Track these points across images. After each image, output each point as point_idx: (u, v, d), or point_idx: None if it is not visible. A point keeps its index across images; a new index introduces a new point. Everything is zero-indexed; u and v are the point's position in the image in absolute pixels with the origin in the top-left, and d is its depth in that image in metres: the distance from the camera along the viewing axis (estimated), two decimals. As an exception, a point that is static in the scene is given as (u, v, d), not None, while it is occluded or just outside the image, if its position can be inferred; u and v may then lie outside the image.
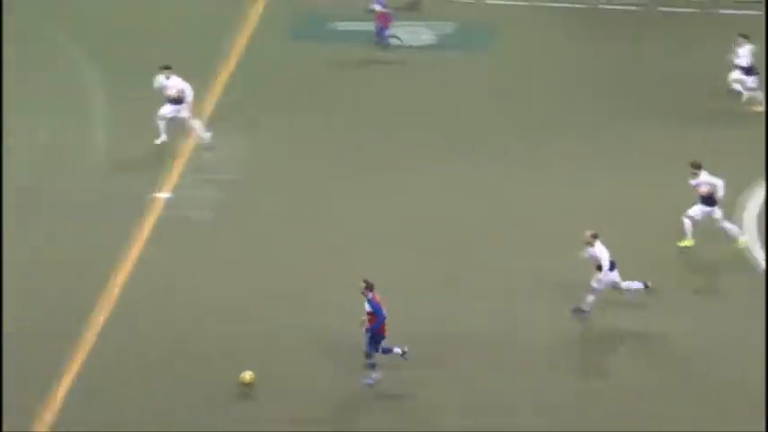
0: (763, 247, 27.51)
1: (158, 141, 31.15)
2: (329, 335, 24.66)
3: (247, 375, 23.27)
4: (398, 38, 36.19)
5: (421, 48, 36.56)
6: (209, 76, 34.06)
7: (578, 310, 25.36)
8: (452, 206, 28.94)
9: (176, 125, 31.15)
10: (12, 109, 32.13)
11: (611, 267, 25.01)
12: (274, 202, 29.21)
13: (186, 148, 31.15)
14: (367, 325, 23.36)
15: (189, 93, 30.89)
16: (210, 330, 24.94)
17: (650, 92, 33.82)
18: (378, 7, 36.08)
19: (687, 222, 27.31)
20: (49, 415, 22.75)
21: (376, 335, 23.40)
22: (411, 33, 37.13)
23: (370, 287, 23.28)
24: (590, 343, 25.11)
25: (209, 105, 32.98)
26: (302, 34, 36.36)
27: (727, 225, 27.48)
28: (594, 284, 25.15)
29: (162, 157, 30.65)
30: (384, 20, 36.04)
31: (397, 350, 23.62)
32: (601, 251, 25.01)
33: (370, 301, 23.31)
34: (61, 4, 38.10)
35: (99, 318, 25.14)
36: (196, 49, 35.35)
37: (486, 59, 35.81)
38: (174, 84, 30.84)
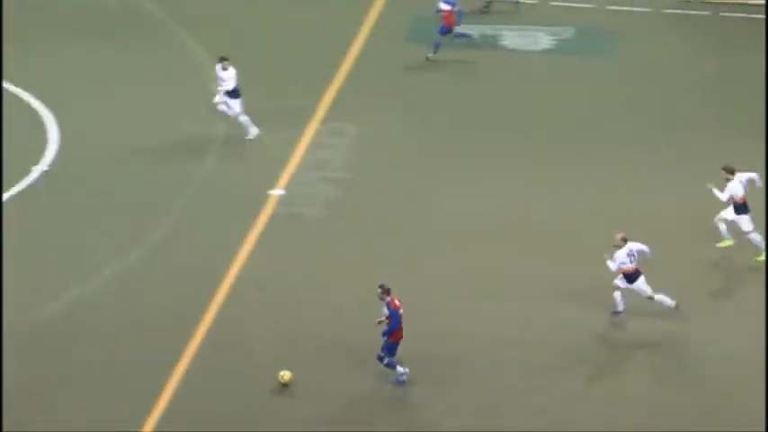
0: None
1: (248, 137, 31.12)
2: (434, 336, 24.42)
3: (286, 375, 23.19)
4: (468, 35, 35.69)
5: (538, 52, 36.21)
6: (325, 76, 34.09)
7: (614, 313, 25.14)
8: (551, 211, 28.51)
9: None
10: (140, 110, 32.39)
11: (637, 276, 24.69)
12: (386, 200, 29.03)
13: (302, 145, 31.11)
14: (386, 327, 23.17)
15: (223, 86, 30.68)
16: (322, 329, 24.74)
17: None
18: (446, 6, 35.67)
19: (721, 224, 26.87)
20: (157, 413, 22.72)
21: (391, 340, 23.17)
22: (529, 38, 36.81)
23: (386, 291, 23.09)
24: (622, 348, 24.89)
25: (325, 104, 32.95)
26: (415, 36, 36.16)
27: (755, 237, 26.83)
28: (617, 282, 24.97)
29: (277, 154, 30.61)
30: (451, 20, 35.63)
31: (401, 370, 23.34)
32: (622, 254, 24.72)
33: (387, 306, 23.08)
34: (183, 5, 38.43)
35: (210, 314, 25.07)
36: (314, 48, 35.50)
37: (606, 65, 35.35)
38: (230, 75, 30.66)
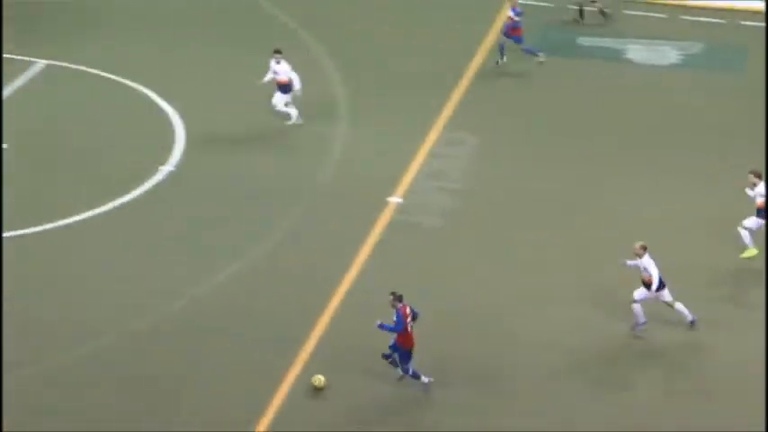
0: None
1: (290, 123, 31.65)
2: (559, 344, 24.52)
3: (317, 380, 23.38)
4: (503, 46, 35.46)
5: (665, 67, 35.90)
6: (450, 84, 34.30)
7: (637, 325, 25.04)
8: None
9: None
10: (263, 111, 32.82)
11: (661, 286, 24.63)
12: (504, 213, 29.04)
13: (420, 154, 31.32)
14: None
15: (297, 82, 31.15)
16: (434, 337, 24.79)
17: None
18: (511, 14, 35.49)
19: (744, 233, 26.70)
20: (270, 415, 23.11)
21: (401, 350, 23.35)
22: (656, 52, 36.53)
23: (398, 299, 23.28)
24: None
25: (447, 113, 33.11)
26: (544, 47, 36.08)
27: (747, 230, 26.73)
28: (636, 295, 24.85)
29: (397, 162, 30.83)
30: (519, 29, 35.37)
31: (425, 379, 23.55)
32: (650, 265, 24.61)
33: (397, 312, 23.23)
34: (309, 8, 38.92)
35: (324, 319, 25.38)
36: (439, 56, 35.67)
37: (736, 81, 34.90)
38: (283, 69, 31.03)
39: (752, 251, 26.92)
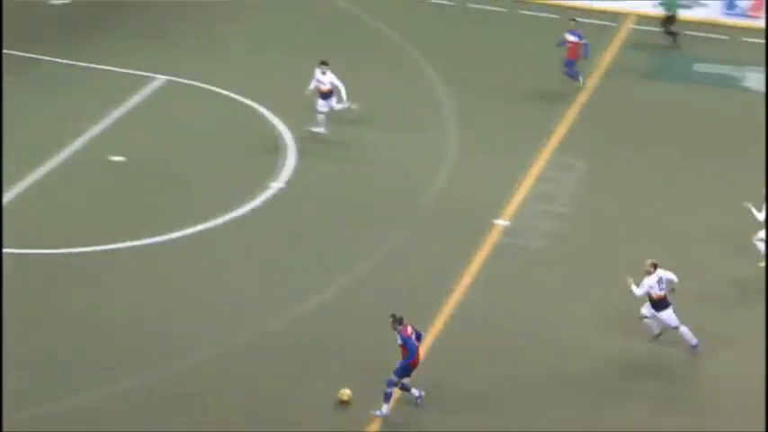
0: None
1: (315, 129, 32.43)
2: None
3: (344, 394, 23.47)
4: (578, 78, 35.20)
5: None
6: (559, 108, 34.29)
7: (654, 337, 24.92)
8: None
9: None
10: (375, 127, 33.23)
11: (666, 305, 24.42)
12: (611, 238, 28.88)
13: (528, 177, 31.31)
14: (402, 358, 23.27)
15: (343, 92, 32.22)
16: (538, 362, 24.82)
17: None
18: (571, 38, 35.10)
19: (760, 245, 26.73)
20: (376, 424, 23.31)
21: (407, 366, 23.21)
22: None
23: (398, 321, 23.13)
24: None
25: (557, 137, 33.08)
26: (657, 73, 35.85)
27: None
28: (644, 311, 24.70)
29: (503, 184, 30.87)
30: (574, 52, 35.05)
31: (415, 392, 23.43)
32: (655, 282, 24.36)
33: (400, 335, 23.12)
34: (424, 32, 39.17)
35: (426, 342, 25.28)
36: (551, 79, 35.71)
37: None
38: (328, 79, 32.16)
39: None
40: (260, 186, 30.59)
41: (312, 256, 28.09)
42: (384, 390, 23.23)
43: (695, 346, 24.94)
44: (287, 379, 24.36)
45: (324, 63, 32.48)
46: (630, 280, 24.61)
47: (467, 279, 27.28)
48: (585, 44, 35.05)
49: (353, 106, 32.60)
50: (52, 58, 36.84)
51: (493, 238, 28.79)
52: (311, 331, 25.68)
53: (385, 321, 23.32)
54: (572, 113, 34.34)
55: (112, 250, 27.97)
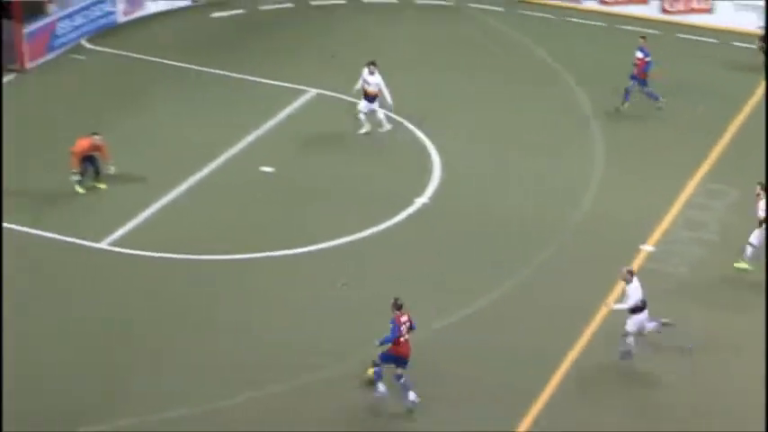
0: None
1: (362, 132, 32.87)
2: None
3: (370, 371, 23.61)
4: (656, 97, 34.44)
5: None
6: (714, 134, 33.73)
7: (625, 354, 24.47)
8: None
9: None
10: (519, 147, 33.06)
11: (642, 308, 24.16)
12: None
13: (677, 203, 30.80)
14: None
15: (388, 96, 32.35)
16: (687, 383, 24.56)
17: None
18: (639, 54, 34.12)
19: (749, 249, 26.56)
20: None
21: (391, 352, 23.12)
22: None
23: (397, 306, 23.08)
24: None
25: (708, 163, 32.54)
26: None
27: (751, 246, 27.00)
28: (627, 328, 24.28)
29: (652, 209, 30.43)
30: (642, 71, 34.11)
31: (411, 395, 23.27)
32: (633, 290, 24.02)
33: (391, 320, 23.04)
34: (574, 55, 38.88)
35: (564, 365, 25.08)
36: (707, 104, 35.23)
37: None
38: (375, 81, 32.02)
39: (745, 264, 27.01)
40: (405, 201, 30.65)
41: (453, 272, 28.01)
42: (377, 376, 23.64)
43: (664, 324, 24.91)
44: (425, 389, 24.13)
45: (372, 63, 32.37)
46: (610, 302, 24.87)
47: (610, 300, 26.88)
48: (649, 62, 34.35)
49: (388, 126, 32.82)
50: (210, 69, 37.48)
51: (638, 262, 28.34)
52: (452, 347, 25.55)
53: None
54: (726, 139, 33.75)
55: (256, 259, 28.27)
